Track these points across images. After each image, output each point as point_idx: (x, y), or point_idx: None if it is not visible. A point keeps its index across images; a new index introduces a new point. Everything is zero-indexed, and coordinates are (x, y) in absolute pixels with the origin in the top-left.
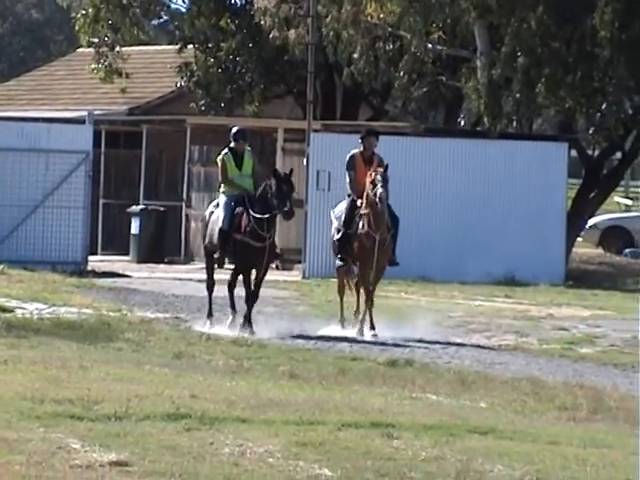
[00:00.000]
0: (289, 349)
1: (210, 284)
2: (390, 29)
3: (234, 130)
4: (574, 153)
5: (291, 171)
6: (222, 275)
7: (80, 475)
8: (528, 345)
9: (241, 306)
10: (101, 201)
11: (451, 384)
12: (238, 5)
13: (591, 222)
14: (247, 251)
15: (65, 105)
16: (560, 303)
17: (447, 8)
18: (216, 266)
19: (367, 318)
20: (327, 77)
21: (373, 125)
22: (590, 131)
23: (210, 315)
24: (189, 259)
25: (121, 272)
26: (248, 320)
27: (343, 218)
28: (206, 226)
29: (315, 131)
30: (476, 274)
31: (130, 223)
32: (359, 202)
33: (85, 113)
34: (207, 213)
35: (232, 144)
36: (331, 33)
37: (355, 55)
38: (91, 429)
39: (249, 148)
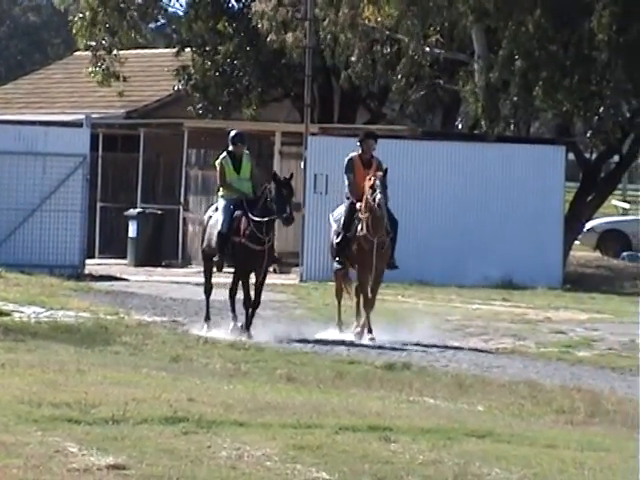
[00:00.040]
0: (286, 352)
1: (208, 288)
2: (388, 32)
3: (232, 134)
4: (572, 156)
5: (291, 175)
6: (220, 279)
7: (77, 479)
8: (525, 348)
9: (239, 309)
10: (98, 204)
11: (448, 387)
12: (235, 8)
13: (589, 225)
14: (246, 254)
15: (62, 108)
16: (558, 306)
17: (445, 11)
18: (215, 270)
19: (366, 322)
20: (325, 80)
21: (371, 128)
22: (588, 134)
23: (207, 318)
24: (186, 262)
25: (118, 275)
26: (248, 324)
27: (342, 221)
28: (204, 230)
29: (313, 134)
30: (474, 277)
31: (127, 226)
32: (358, 205)
33: (82, 116)
34: (206, 217)
35: (230, 148)
36: (329, 36)
37: (353, 58)
38: (88, 433)
39: (247, 152)
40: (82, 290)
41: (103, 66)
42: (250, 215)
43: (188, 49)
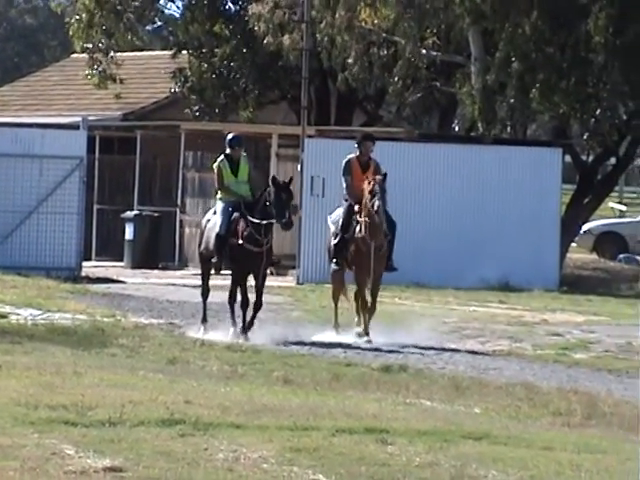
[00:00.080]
0: (283, 355)
1: (205, 290)
2: (384, 35)
3: (230, 137)
4: (568, 159)
5: (290, 179)
6: (217, 281)
7: None
8: (522, 351)
9: (237, 312)
10: (95, 207)
11: (445, 390)
12: (232, 11)
13: (585, 227)
14: (244, 256)
15: (59, 111)
16: (554, 309)
17: (441, 14)
18: (213, 272)
19: (358, 319)
20: (321, 83)
21: (368, 130)
22: (584, 137)
23: (204, 321)
24: (183, 265)
25: (115, 278)
26: (246, 326)
27: (340, 222)
28: (202, 233)
29: (309, 137)
30: (470, 279)
31: (124, 229)
32: (357, 207)
33: (79, 119)
34: (204, 221)
35: (228, 151)
36: (325, 39)
37: (349, 61)
38: (85, 435)
39: (245, 154)
40: (79, 292)
41: (100, 68)
42: (249, 217)
43: (185, 51)
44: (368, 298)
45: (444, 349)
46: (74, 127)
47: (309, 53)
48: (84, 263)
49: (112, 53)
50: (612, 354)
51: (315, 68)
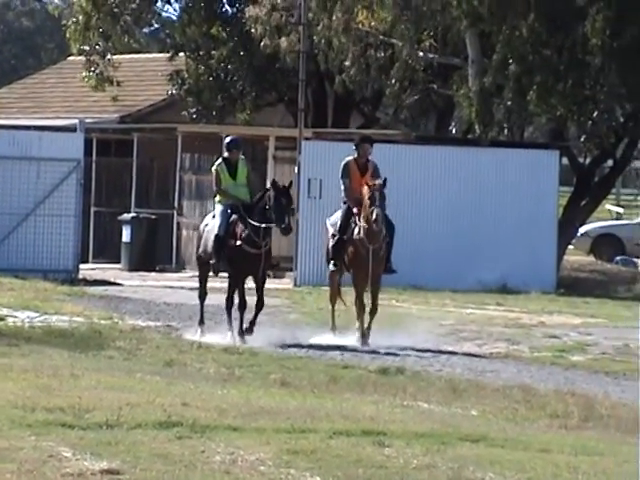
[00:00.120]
0: (280, 357)
1: (202, 293)
2: (381, 37)
3: (228, 140)
4: (565, 161)
5: (290, 184)
6: (215, 284)
7: None
8: (519, 353)
9: (235, 314)
10: (92, 209)
11: (442, 392)
12: (229, 13)
13: (582, 230)
14: (242, 258)
15: (56, 113)
16: (551, 311)
17: (438, 16)
18: (210, 274)
19: (359, 325)
20: (318, 85)
21: (365, 132)
22: (581, 139)
23: (201, 323)
24: (180, 267)
25: (112, 280)
26: (249, 326)
27: (339, 224)
28: (200, 236)
29: (306, 139)
30: (468, 282)
31: (121, 231)
32: (355, 210)
33: (76, 121)
34: (202, 225)
35: (226, 154)
36: (322, 41)
37: (346, 63)
38: (82, 437)
39: (243, 157)
40: (76, 295)
41: (97, 71)
42: (248, 219)
43: (182, 54)
44: (367, 301)
45: (441, 351)
46: (71, 129)
47: (306, 55)
48: (81, 265)
49: (109, 55)
50: (609, 356)
51: (312, 70)
